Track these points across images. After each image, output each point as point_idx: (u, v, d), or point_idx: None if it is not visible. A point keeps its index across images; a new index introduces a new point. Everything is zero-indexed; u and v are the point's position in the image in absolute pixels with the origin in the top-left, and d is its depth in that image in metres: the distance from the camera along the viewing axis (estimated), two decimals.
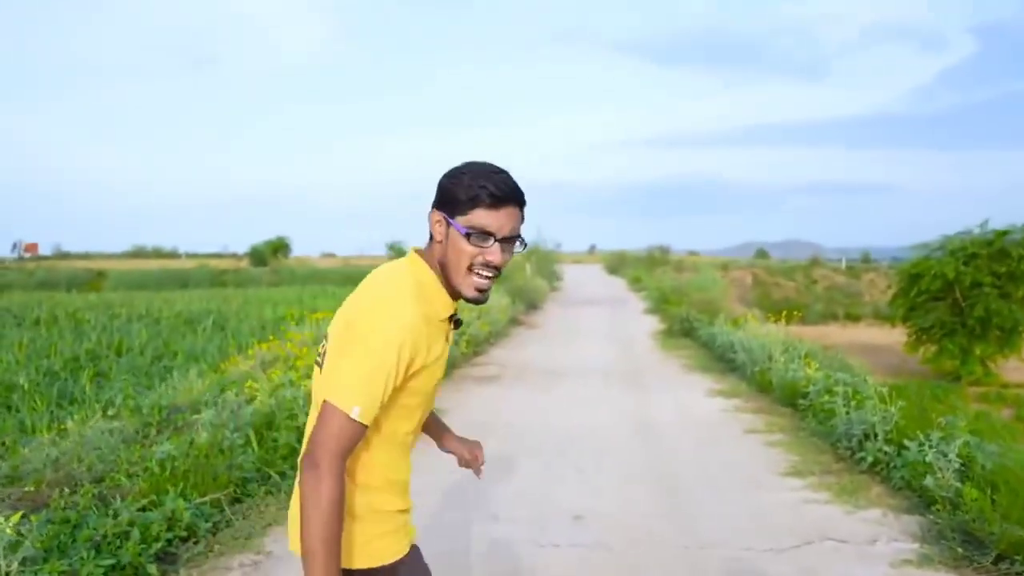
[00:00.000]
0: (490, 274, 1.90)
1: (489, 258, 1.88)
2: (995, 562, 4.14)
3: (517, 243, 1.93)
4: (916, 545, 4.59)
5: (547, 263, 30.27)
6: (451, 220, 1.87)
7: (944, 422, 5.71)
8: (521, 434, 7.48)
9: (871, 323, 30.51)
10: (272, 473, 5.66)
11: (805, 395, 7.98)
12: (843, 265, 48.61)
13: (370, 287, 1.94)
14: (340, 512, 1.74)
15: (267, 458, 5.80)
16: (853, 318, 32.80)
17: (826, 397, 7.43)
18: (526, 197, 1.93)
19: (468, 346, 12.25)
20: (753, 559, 4.40)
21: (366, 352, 1.79)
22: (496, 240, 1.87)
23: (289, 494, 5.45)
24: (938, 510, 4.84)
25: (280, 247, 44.74)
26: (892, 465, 5.75)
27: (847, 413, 6.64)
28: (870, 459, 5.96)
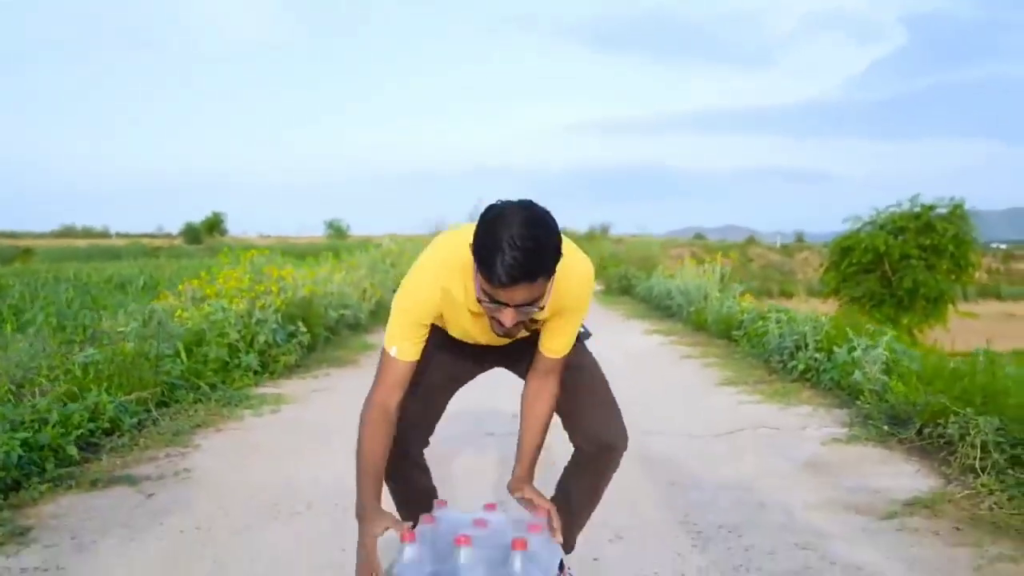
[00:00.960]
0: (511, 330, 1.93)
1: (501, 320, 1.87)
2: (918, 433, 4.23)
3: (535, 308, 1.88)
4: (844, 429, 4.68)
5: None
6: (476, 266, 1.84)
7: (871, 329, 5.84)
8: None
9: (804, 299, 31.23)
10: (202, 384, 5.52)
11: (739, 325, 8.09)
12: (778, 244, 49.61)
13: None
14: (364, 450, 2.10)
15: (197, 369, 5.66)
16: (787, 294, 33.58)
17: (760, 323, 7.54)
18: (550, 259, 1.81)
19: None
20: (691, 442, 4.43)
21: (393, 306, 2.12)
22: (509, 306, 1.84)
23: (218, 402, 5.33)
24: (865, 400, 4.94)
25: (216, 225, 43.76)
26: (821, 370, 5.86)
27: (779, 330, 6.75)
28: (801, 367, 6.07)
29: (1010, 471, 3.53)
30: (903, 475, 3.83)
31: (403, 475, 2.37)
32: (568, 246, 1.97)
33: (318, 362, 7.24)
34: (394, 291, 8.04)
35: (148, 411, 4.83)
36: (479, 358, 2.39)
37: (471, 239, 1.83)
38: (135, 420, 4.58)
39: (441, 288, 2.04)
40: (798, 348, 6.28)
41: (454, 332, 2.21)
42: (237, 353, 6.11)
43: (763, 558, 2.87)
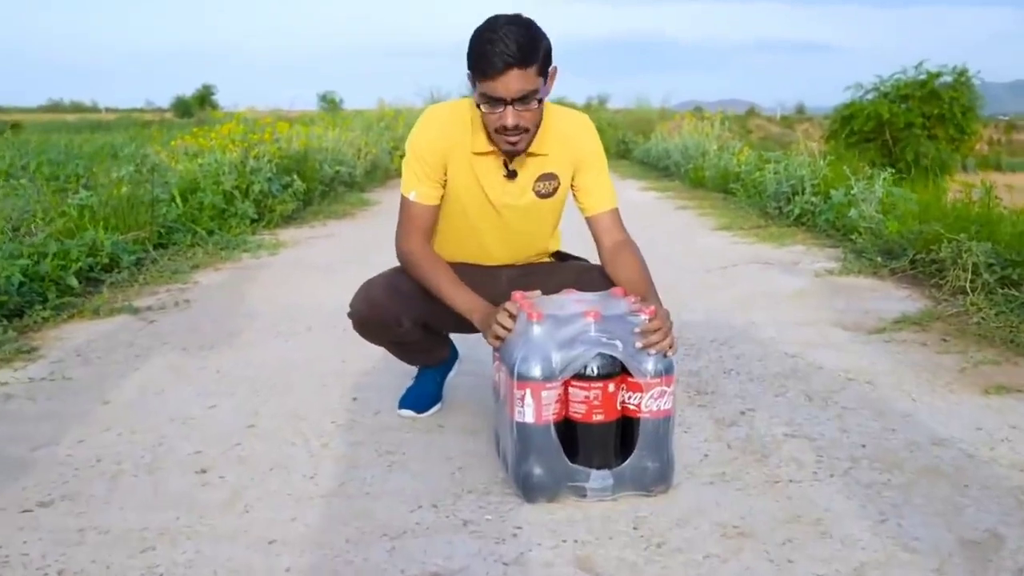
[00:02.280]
0: (513, 135, 1.96)
1: (503, 122, 1.92)
2: (911, 262, 4.28)
3: (533, 100, 1.92)
4: (837, 263, 4.73)
5: None
6: (473, 85, 1.93)
7: (869, 171, 5.81)
8: None
9: None
10: (199, 229, 5.52)
11: (737, 178, 8.05)
12: (778, 116, 48.79)
13: None
14: (432, 275, 2.15)
15: (193, 214, 5.66)
16: None
17: (757, 174, 7.50)
18: (539, 47, 1.91)
19: (402, 161, 12.01)
20: (685, 275, 4.48)
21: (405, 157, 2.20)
22: (508, 103, 1.89)
23: (216, 246, 5.34)
24: (860, 236, 4.96)
25: (206, 98, 42.83)
26: (817, 212, 5.87)
27: (776, 176, 6.71)
28: (797, 211, 6.08)
29: (1000, 290, 3.58)
30: (893, 299, 3.89)
31: (405, 335, 2.30)
32: (558, 107, 2.16)
33: (315, 214, 7.24)
34: (390, 153, 7.98)
35: (146, 251, 4.85)
36: (493, 279, 2.31)
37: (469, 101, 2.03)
38: (133, 258, 4.61)
39: (444, 131, 2.09)
40: (795, 193, 6.27)
41: (463, 192, 2.15)
42: (233, 201, 6.10)
43: (752, 364, 2.95)
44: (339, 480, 2.05)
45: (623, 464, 1.89)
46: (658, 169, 11.56)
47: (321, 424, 2.42)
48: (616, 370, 1.86)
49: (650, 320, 1.87)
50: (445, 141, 2.11)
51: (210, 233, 5.57)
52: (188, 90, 42.54)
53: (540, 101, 1.98)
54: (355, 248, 5.62)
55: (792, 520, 1.82)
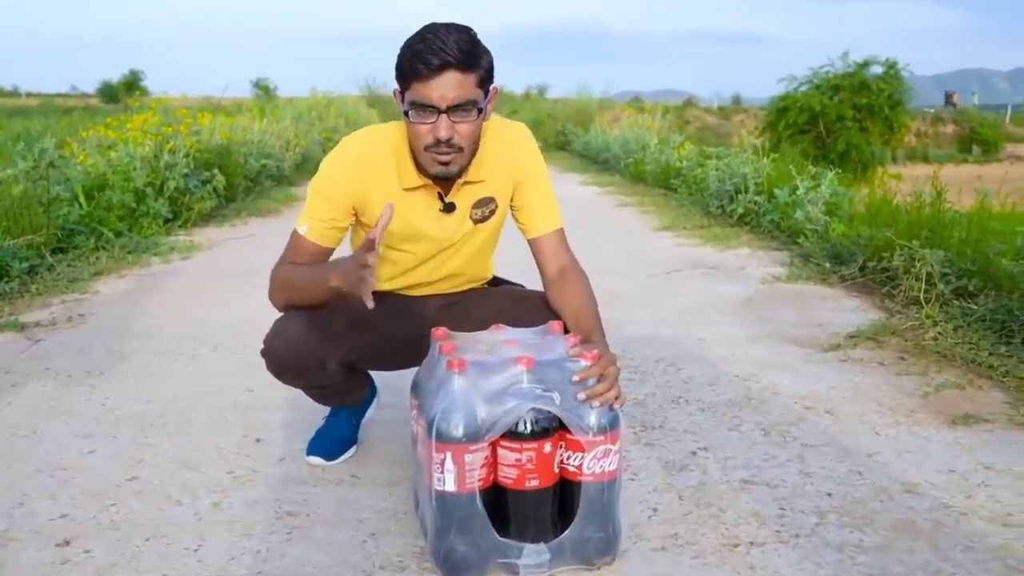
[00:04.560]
0: (446, 151, 1.69)
1: (437, 135, 1.66)
2: (860, 269, 4.10)
3: (472, 111, 1.67)
4: (784, 269, 4.53)
5: None
6: (401, 99, 1.70)
7: (813, 171, 5.64)
8: None
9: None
10: (104, 230, 5.08)
11: (678, 173, 7.85)
12: (715, 107, 49.26)
13: None
14: (288, 275, 1.89)
15: (99, 215, 5.21)
16: None
17: (699, 170, 7.31)
18: (481, 54, 1.67)
19: None
20: (627, 281, 4.22)
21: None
22: (441, 111, 1.64)
23: (123, 249, 4.92)
24: (806, 240, 4.78)
25: (134, 83, 41.23)
26: (761, 212, 5.69)
27: (718, 173, 6.52)
28: (740, 210, 5.89)
29: (955, 302, 3.40)
30: (844, 310, 3.70)
31: (326, 379, 2.00)
32: (496, 118, 1.89)
33: (237, 211, 6.82)
34: (321, 144, 7.56)
35: (42, 257, 4.41)
36: (419, 309, 2.03)
37: (398, 124, 1.81)
38: (26, 266, 4.17)
39: (361, 169, 1.82)
40: (738, 192, 6.08)
41: (393, 232, 1.87)
42: (145, 199, 5.65)
43: (703, 389, 2.70)
44: (227, 554, 1.73)
45: (562, 536, 1.61)
46: (598, 162, 11.34)
47: (214, 476, 2.09)
48: (553, 426, 1.58)
49: (592, 366, 1.59)
50: (361, 181, 1.82)
51: (118, 235, 5.14)
52: (114, 73, 40.91)
53: (480, 112, 1.70)
54: (276, 250, 5.20)
55: None
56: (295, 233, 1.88)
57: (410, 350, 1.96)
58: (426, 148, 1.71)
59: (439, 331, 1.72)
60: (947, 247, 3.72)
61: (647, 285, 4.25)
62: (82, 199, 5.20)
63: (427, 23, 1.68)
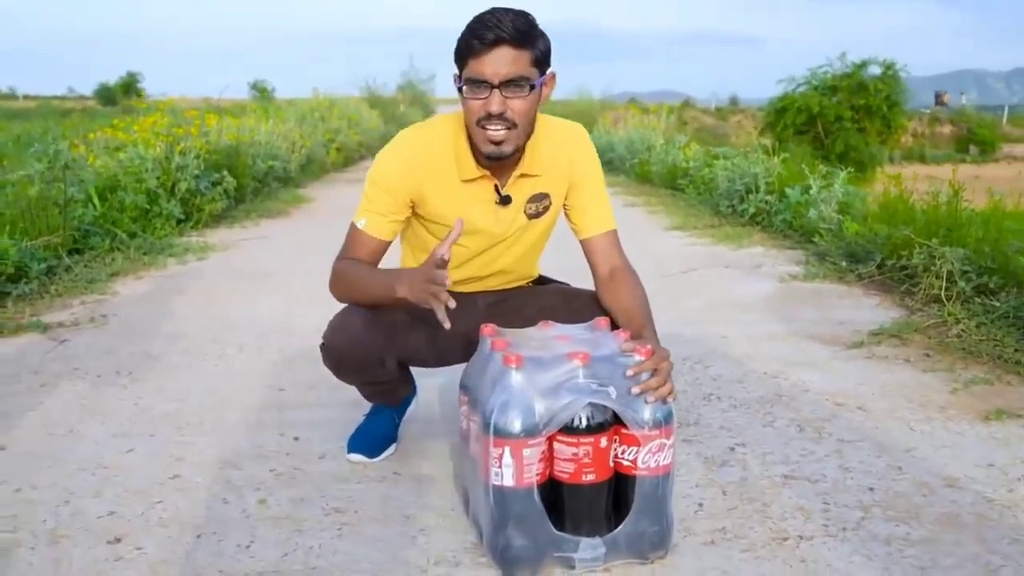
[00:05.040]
0: (498, 126, 1.70)
1: (489, 109, 1.67)
2: (878, 267, 4.11)
3: (524, 87, 1.68)
4: (800, 267, 4.55)
5: (420, 96, 29.20)
6: (459, 80, 1.72)
7: (824, 170, 5.66)
8: None
9: None
10: (119, 231, 5.08)
11: (685, 173, 7.87)
12: (713, 108, 49.32)
13: None
14: (353, 274, 1.87)
15: (112, 216, 5.21)
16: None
17: (706, 170, 7.32)
18: (538, 36, 1.70)
19: (338, 154, 11.60)
20: (646, 281, 4.22)
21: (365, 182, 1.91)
22: (494, 87, 1.66)
23: (138, 250, 4.91)
24: (821, 239, 4.79)
25: (131, 85, 41.17)
26: (773, 212, 5.71)
27: (728, 175, 6.53)
28: (752, 210, 5.91)
29: (976, 299, 3.42)
30: (864, 308, 3.71)
31: (384, 375, 2.02)
32: (550, 118, 1.92)
33: (247, 213, 6.81)
34: (325, 145, 7.53)
35: (59, 257, 4.41)
36: (469, 306, 2.02)
37: (456, 116, 1.82)
38: (44, 267, 4.16)
39: (420, 161, 1.84)
40: (748, 191, 6.09)
41: (444, 216, 1.89)
42: (157, 200, 5.65)
43: (733, 387, 2.71)
44: (280, 550, 1.73)
45: (616, 530, 1.62)
46: (602, 163, 11.32)
47: (257, 474, 2.10)
48: (608, 420, 1.59)
49: (645, 361, 1.60)
50: (420, 173, 1.85)
51: (132, 236, 5.14)
52: (112, 77, 40.77)
53: (533, 88, 1.70)
54: (292, 252, 5.26)
55: None
56: (352, 227, 1.90)
57: (458, 347, 1.98)
58: (478, 122, 1.72)
59: (488, 328, 1.73)
60: (965, 245, 3.73)
61: (663, 285, 4.25)
62: (96, 200, 5.20)
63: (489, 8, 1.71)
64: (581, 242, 1.98)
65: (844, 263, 4.32)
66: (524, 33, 1.66)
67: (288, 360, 3.01)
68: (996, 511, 1.88)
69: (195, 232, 5.86)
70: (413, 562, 1.68)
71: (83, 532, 1.81)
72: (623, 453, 1.61)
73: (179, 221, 5.75)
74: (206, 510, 1.91)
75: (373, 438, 2.18)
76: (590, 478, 1.59)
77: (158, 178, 5.76)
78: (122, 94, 39.81)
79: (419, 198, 1.86)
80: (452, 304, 1.60)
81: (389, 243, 1.92)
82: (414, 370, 2.24)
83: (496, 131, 1.71)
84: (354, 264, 1.88)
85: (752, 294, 4.02)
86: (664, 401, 1.60)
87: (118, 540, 1.78)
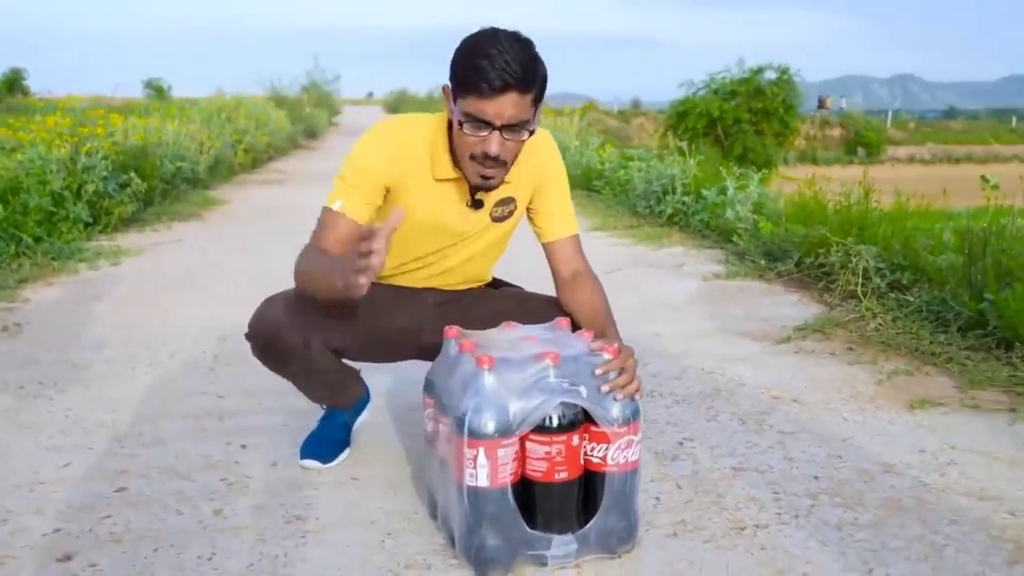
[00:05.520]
0: (492, 165, 1.72)
1: (487, 150, 1.69)
2: (797, 265, 4.28)
3: (524, 132, 1.71)
4: (722, 266, 4.69)
5: (325, 97, 28.77)
6: (453, 100, 1.71)
7: (738, 172, 5.85)
8: (313, 210, 6.96)
9: None
10: (24, 236, 4.84)
11: (600, 175, 7.99)
12: (615, 110, 50.22)
13: None
14: (305, 272, 1.79)
15: (15, 220, 4.95)
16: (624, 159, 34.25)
17: (622, 172, 7.46)
18: (539, 72, 1.69)
19: (246, 155, 11.32)
20: (538, 280, 4.29)
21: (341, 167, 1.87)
22: (495, 128, 1.66)
23: (46, 255, 4.70)
24: (739, 238, 4.95)
25: (15, 82, 39.13)
26: (690, 212, 5.86)
27: (644, 175, 6.68)
28: (670, 211, 6.06)
29: (891, 294, 3.60)
30: (786, 304, 3.86)
31: (314, 363, 1.95)
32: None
33: (157, 216, 6.58)
34: (233, 146, 7.35)
35: None
36: (417, 303, 2.03)
37: (437, 116, 1.83)
38: None
39: (398, 155, 1.83)
40: (665, 192, 6.24)
41: (417, 220, 1.87)
42: (63, 203, 5.40)
43: (673, 383, 2.79)
44: (245, 560, 1.69)
45: (587, 526, 1.65)
46: None
47: (209, 484, 2.04)
48: (579, 419, 1.62)
49: (613, 360, 1.64)
50: (396, 166, 1.84)
51: (37, 240, 4.90)
52: None
53: (530, 133, 1.74)
54: (211, 256, 5.12)
55: None
56: (326, 211, 1.85)
57: (402, 343, 1.98)
58: (472, 157, 1.73)
59: (452, 330, 1.74)
60: (876, 243, 3.92)
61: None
62: None
63: (488, 28, 1.69)
64: (544, 245, 2.01)
65: (763, 261, 4.48)
66: (530, 74, 1.65)
67: (224, 367, 2.93)
68: (933, 495, 1.99)
69: (105, 236, 5.63)
70: (383, 566, 1.67)
71: (29, 551, 1.73)
72: (592, 450, 1.64)
73: (87, 225, 5.52)
74: (160, 523, 1.85)
75: (326, 444, 2.15)
76: (562, 476, 1.61)
77: (64, 179, 5.51)
78: (6, 92, 37.83)
79: (395, 189, 1.86)
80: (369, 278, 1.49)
81: (363, 224, 1.86)
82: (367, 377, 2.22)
83: (489, 171, 1.74)
84: (312, 255, 1.79)
85: (679, 293, 4.13)
86: (632, 398, 1.63)
87: (68, 558, 1.71)
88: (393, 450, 2.24)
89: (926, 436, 2.34)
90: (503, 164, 1.75)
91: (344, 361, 2.03)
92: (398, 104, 42.40)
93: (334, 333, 1.89)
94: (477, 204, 1.90)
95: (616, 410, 1.62)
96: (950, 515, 1.89)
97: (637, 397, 1.65)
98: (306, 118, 19.55)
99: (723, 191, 5.54)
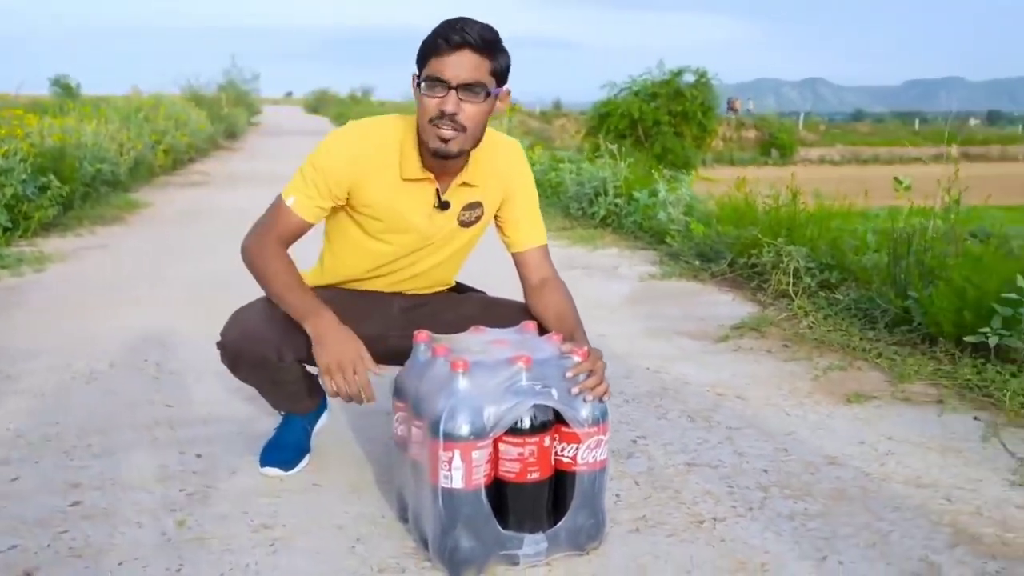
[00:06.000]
0: (449, 125, 1.74)
1: (443, 108, 1.72)
2: (729, 265, 4.42)
3: (480, 93, 1.73)
4: (656, 267, 4.80)
5: (244, 97, 28.19)
6: (417, 83, 1.76)
7: (668, 175, 5.99)
8: (241, 213, 6.83)
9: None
10: None
11: None
12: (537, 111, 50.55)
13: None
14: (275, 271, 1.87)
15: None
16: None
17: (552, 174, 7.55)
18: (501, 49, 1.77)
19: (166, 156, 11.03)
20: (513, 285, 4.33)
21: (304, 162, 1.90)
22: (451, 88, 1.70)
23: None
24: (672, 240, 5.08)
25: None
26: (623, 214, 5.98)
27: (576, 177, 6.77)
28: (602, 212, 6.16)
29: (820, 293, 3.76)
30: (721, 304, 3.99)
31: (284, 374, 1.98)
32: (493, 131, 1.96)
33: (78, 220, 6.37)
34: (153, 147, 7.21)
35: None
36: (384, 308, 2.06)
37: (410, 116, 1.86)
38: None
39: (364, 154, 1.86)
40: (597, 195, 6.35)
41: (383, 219, 1.92)
42: None
43: (622, 383, 2.85)
44: (214, 571, 1.68)
45: (558, 525, 1.69)
46: None
47: (168, 495, 2.01)
48: (550, 420, 1.66)
49: (582, 362, 1.69)
50: (359, 166, 1.86)
51: None
52: None
53: (488, 96, 1.76)
54: (139, 261, 5.00)
55: (739, 569, 1.71)
56: (280, 203, 1.89)
57: (369, 349, 1.99)
58: (430, 120, 1.76)
59: (422, 334, 1.76)
60: (804, 244, 4.08)
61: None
62: None
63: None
64: (513, 255, 2.04)
65: (697, 262, 4.60)
66: (488, 42, 1.72)
67: (169, 375, 2.88)
68: (875, 484, 2.10)
69: (25, 241, 5.42)
70: (356, 572, 1.68)
71: None
72: (563, 450, 1.68)
73: (6, 230, 5.32)
74: (121, 536, 1.82)
75: (286, 450, 2.14)
76: (534, 476, 1.65)
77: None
78: None
79: (356, 188, 1.88)
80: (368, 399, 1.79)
81: (311, 226, 1.92)
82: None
83: (446, 131, 1.75)
84: (280, 256, 1.88)
85: (617, 294, 4.22)
86: (601, 399, 1.68)
87: (29, 575, 1.66)
88: (352, 453, 2.24)
89: (863, 428, 2.46)
90: (462, 128, 1.76)
91: (307, 368, 2.04)
92: (319, 104, 41.88)
93: (306, 343, 1.90)
94: (444, 205, 1.92)
95: (586, 411, 1.67)
96: (892, 503, 2.00)
97: (606, 398, 1.70)
98: (225, 118, 19.13)
99: (654, 193, 5.66)
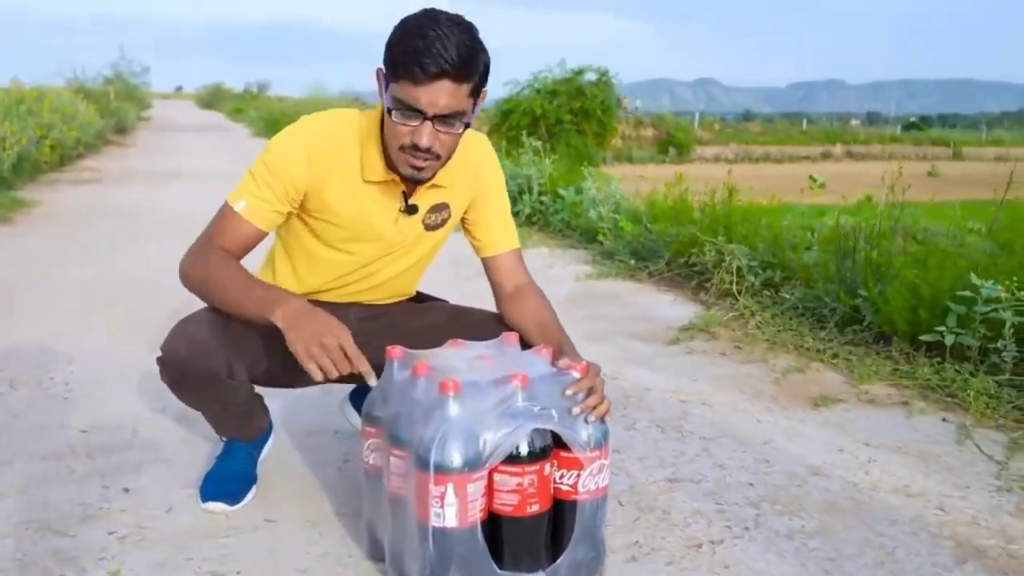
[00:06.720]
0: (423, 157, 1.56)
1: (417, 141, 1.53)
2: (668, 264, 4.33)
3: (458, 124, 1.55)
4: (590, 267, 4.69)
5: (133, 91, 26.93)
6: (385, 86, 1.54)
7: (593, 171, 5.89)
8: (139, 213, 6.41)
9: None
10: None
11: None
12: None
13: None
14: (222, 272, 1.63)
15: None
16: None
17: None
18: (479, 60, 1.52)
19: (53, 152, 10.31)
20: (445, 288, 4.12)
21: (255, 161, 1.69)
22: (427, 118, 1.50)
23: None
24: (603, 239, 4.97)
25: None
26: (550, 212, 5.85)
27: None
28: (527, 211, 6.02)
29: (764, 292, 3.70)
30: (663, 304, 3.89)
31: (233, 393, 1.74)
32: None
33: None
34: (37, 142, 6.70)
35: None
36: (343, 318, 1.82)
37: (369, 112, 1.67)
38: None
39: (321, 154, 1.64)
40: (522, 192, 6.20)
41: (342, 223, 1.71)
42: None
43: None
44: None
45: (557, 561, 1.52)
46: None
47: (94, 538, 1.74)
48: (550, 445, 1.48)
49: (582, 379, 1.52)
50: (316, 167, 1.65)
51: None
52: None
53: (466, 126, 1.57)
54: (32, 264, 4.56)
55: None
56: (228, 210, 1.66)
57: None
58: (401, 148, 1.56)
59: (396, 350, 1.56)
60: (743, 242, 4.03)
61: (464, 289, 4.17)
62: None
63: (428, 9, 1.51)
64: (484, 260, 1.86)
65: (632, 261, 4.50)
66: (468, 61, 1.49)
67: (81, 396, 2.57)
68: (865, 495, 2.01)
69: None
70: None
71: None
72: (562, 478, 1.51)
73: None
74: None
75: (231, 481, 1.90)
76: (534, 509, 1.47)
77: None
78: None
79: (314, 191, 1.66)
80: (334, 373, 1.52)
81: (264, 235, 1.70)
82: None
83: (419, 161, 1.57)
84: (228, 261, 1.64)
85: (555, 295, 4.02)
86: (602, 420, 1.52)
87: None
88: (304, 481, 2.01)
89: (838, 435, 2.38)
90: (436, 157, 1.59)
91: (254, 387, 1.81)
92: (213, 99, 40.48)
93: (258, 359, 1.67)
94: (411, 209, 1.72)
95: (586, 433, 1.50)
96: (887, 515, 1.91)
97: (607, 418, 1.54)
98: (114, 112, 18.18)
99: (580, 190, 5.55)
